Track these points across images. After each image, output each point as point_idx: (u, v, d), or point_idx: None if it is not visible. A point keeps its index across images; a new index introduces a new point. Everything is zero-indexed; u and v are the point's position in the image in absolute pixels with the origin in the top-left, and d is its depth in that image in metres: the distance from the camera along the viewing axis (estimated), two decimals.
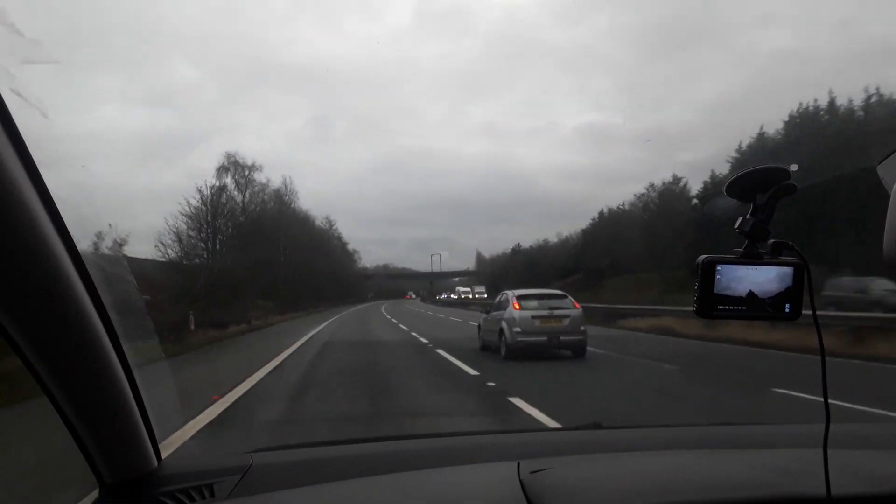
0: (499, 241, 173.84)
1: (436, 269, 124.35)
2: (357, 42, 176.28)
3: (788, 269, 1.03)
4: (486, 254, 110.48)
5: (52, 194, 1.01)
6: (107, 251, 1.45)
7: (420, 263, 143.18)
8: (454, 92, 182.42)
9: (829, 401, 1.03)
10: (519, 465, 1.50)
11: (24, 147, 0.95)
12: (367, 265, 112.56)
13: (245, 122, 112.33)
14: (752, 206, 1.04)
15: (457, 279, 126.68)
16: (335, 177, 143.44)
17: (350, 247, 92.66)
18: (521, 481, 1.39)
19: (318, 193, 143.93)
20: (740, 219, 1.05)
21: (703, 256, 1.03)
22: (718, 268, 1.03)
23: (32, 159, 0.97)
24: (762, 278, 1.03)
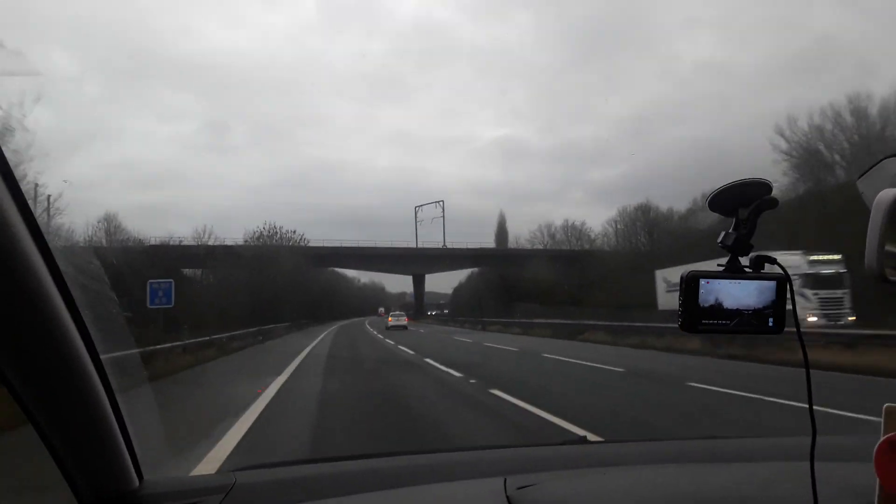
0: None
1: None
2: (258, 36, 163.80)
3: (771, 283, 1.03)
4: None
5: (29, 207, 1.00)
6: (85, 265, 1.43)
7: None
8: (364, 97, 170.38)
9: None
10: (506, 480, 1.49)
11: (4, 161, 0.93)
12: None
13: (131, 125, 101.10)
14: (734, 220, 1.05)
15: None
16: (231, 188, 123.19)
17: None
18: (507, 497, 1.38)
19: (214, 207, 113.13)
20: (723, 233, 1.05)
21: (688, 270, 1.03)
22: (702, 282, 1.03)
23: (10, 168, 0.95)
24: (745, 292, 1.03)
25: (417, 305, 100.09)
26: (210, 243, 51.93)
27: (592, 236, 68.37)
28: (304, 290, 56.45)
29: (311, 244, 68.82)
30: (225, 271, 47.24)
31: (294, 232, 66.22)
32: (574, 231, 71.42)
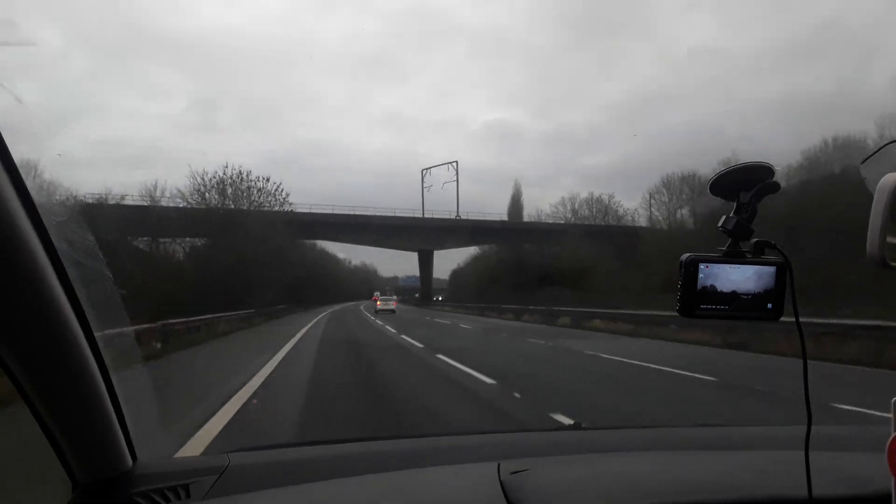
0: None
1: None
2: (250, 13, 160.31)
3: (771, 269, 1.03)
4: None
5: (27, 187, 0.99)
6: (80, 240, 1.41)
7: None
8: (357, 77, 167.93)
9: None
10: (499, 465, 1.49)
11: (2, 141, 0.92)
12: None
13: (118, 102, 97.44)
14: (735, 204, 1.04)
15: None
16: (219, 168, 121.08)
17: None
18: (501, 482, 1.38)
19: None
20: (724, 217, 1.04)
21: (687, 255, 1.03)
22: (701, 266, 1.02)
23: (9, 151, 0.94)
24: (745, 277, 1.02)
25: (424, 289, 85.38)
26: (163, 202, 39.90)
27: (621, 212, 60.49)
28: (280, 267, 41.52)
29: (295, 209, 51.22)
30: (174, 235, 37.60)
31: (269, 181, 45.77)
32: (599, 205, 62.06)
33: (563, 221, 61.19)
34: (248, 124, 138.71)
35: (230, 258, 35.65)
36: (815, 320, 15.33)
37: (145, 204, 38.63)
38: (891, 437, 0.86)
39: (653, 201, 50.24)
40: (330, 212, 64.84)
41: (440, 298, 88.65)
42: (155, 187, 40.30)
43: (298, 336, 21.87)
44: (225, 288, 32.24)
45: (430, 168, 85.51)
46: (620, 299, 31.80)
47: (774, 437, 2.06)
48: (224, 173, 42.45)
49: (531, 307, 39.57)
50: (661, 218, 47.72)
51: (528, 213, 70.26)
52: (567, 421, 6.92)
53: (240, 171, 43.55)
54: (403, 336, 22.31)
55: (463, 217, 73.38)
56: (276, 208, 46.13)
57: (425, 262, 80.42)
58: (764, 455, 1.65)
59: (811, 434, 1.03)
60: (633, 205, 61.24)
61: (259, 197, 44.83)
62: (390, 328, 27.77)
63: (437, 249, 76.28)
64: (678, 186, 47.09)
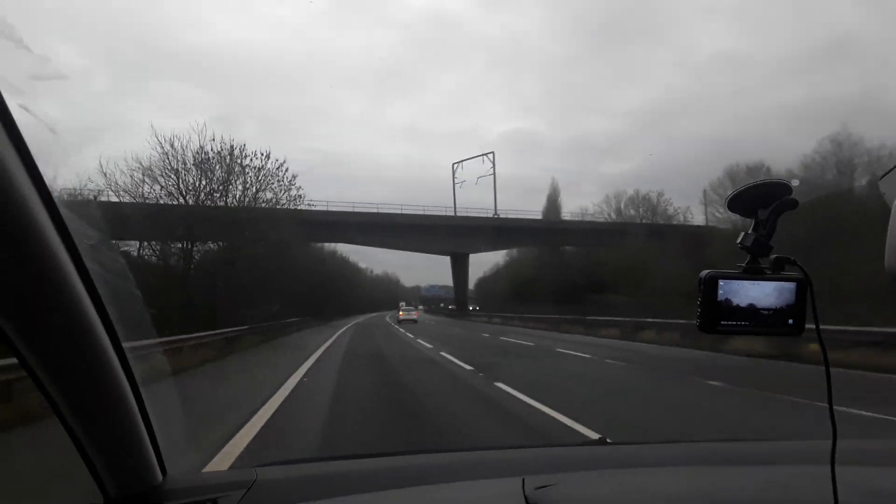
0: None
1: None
2: (267, 29, 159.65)
3: (791, 285, 1.03)
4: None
5: (57, 205, 1.02)
6: (110, 261, 1.45)
7: None
8: (372, 90, 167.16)
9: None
10: (524, 480, 1.50)
11: (34, 164, 0.96)
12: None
13: (138, 119, 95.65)
14: (754, 221, 1.04)
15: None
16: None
17: None
18: (525, 497, 1.38)
19: None
20: (742, 234, 1.05)
21: (706, 271, 1.03)
22: (721, 283, 1.02)
23: (41, 175, 0.98)
24: (765, 293, 1.03)
25: (459, 298, 74.75)
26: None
27: (671, 211, 54.24)
28: (289, 273, 33.43)
29: (307, 205, 35.24)
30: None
31: (270, 158, 29.87)
32: (647, 204, 54.96)
33: (619, 220, 53.45)
34: (269, 138, 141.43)
35: (216, 261, 27.72)
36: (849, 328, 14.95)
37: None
38: None
39: (716, 196, 42.99)
40: (350, 209, 55.53)
41: (478, 308, 76.04)
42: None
43: (292, 383, 12.17)
44: (207, 301, 25.54)
45: (461, 161, 74.03)
46: (683, 306, 25.58)
47: (801, 451, 2.03)
48: (203, 140, 27.15)
49: (600, 318, 32.60)
50: (719, 215, 40.26)
51: (600, 202, 62.42)
52: None
53: (231, 145, 28.18)
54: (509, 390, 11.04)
55: (505, 215, 63.16)
56: (283, 198, 30.84)
57: (459, 267, 70.40)
58: (790, 470, 1.63)
59: (837, 448, 1.02)
60: (681, 204, 54.54)
61: (255, 180, 29.45)
62: (459, 363, 16.28)
63: (473, 253, 66.82)
64: (744, 180, 40.24)
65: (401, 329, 40.19)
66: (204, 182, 27.65)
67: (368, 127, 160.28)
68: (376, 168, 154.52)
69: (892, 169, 0.92)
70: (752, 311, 1.02)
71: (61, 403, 1.21)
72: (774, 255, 1.03)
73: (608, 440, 2.40)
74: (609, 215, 55.44)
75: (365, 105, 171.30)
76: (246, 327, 24.57)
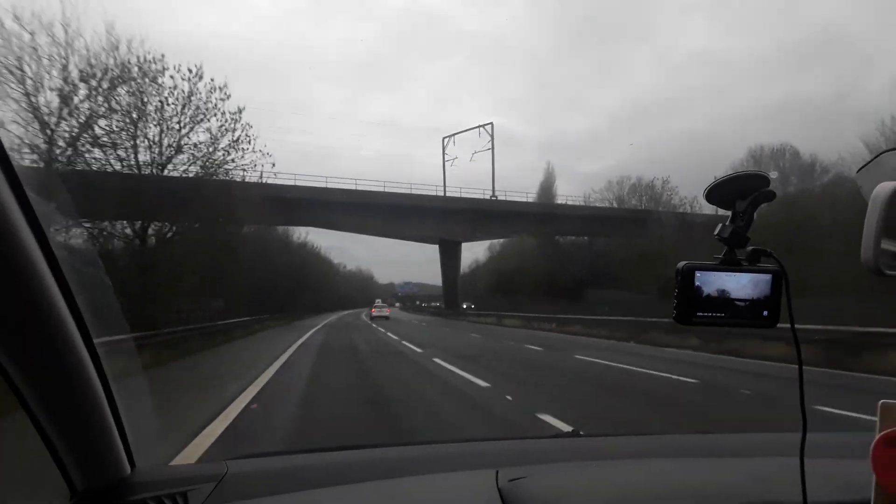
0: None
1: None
2: (244, 20, 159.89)
3: (767, 276, 1.03)
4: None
5: (24, 189, 0.99)
6: (79, 248, 1.41)
7: None
8: (352, 84, 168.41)
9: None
10: (497, 472, 1.50)
11: None
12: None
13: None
14: (731, 212, 1.05)
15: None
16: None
17: None
18: (499, 489, 1.38)
19: None
20: (720, 225, 1.05)
21: (683, 263, 1.03)
22: (698, 274, 1.03)
23: (6, 153, 0.95)
24: (741, 285, 1.03)
25: (448, 294, 63.16)
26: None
27: (676, 201, 48.42)
28: (248, 264, 27.44)
29: (271, 180, 28.53)
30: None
31: (222, 91, 20.48)
32: (649, 191, 50.13)
33: (642, 207, 47.92)
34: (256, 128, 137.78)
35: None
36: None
37: None
38: (875, 439, 0.86)
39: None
40: (322, 185, 45.96)
41: (472, 306, 62.48)
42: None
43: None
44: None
45: (453, 135, 64.44)
46: None
47: (771, 443, 2.06)
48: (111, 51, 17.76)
49: (630, 319, 26.86)
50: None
51: (602, 188, 55.63)
52: None
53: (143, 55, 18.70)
54: None
55: (503, 198, 53.45)
56: (227, 146, 21.05)
57: (449, 258, 59.01)
58: (759, 461, 1.65)
59: (806, 441, 1.03)
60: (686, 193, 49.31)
61: (180, 111, 19.86)
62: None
63: (466, 241, 56.82)
64: (767, 164, 37.60)
65: (394, 337, 27.22)
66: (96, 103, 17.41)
67: (346, 120, 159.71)
68: (354, 160, 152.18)
69: (869, 162, 0.93)
70: (727, 302, 1.03)
71: (27, 395, 1.18)
72: (751, 247, 1.04)
73: (581, 433, 2.41)
74: (611, 203, 51.44)
75: (344, 98, 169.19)
76: (152, 332, 15.48)
